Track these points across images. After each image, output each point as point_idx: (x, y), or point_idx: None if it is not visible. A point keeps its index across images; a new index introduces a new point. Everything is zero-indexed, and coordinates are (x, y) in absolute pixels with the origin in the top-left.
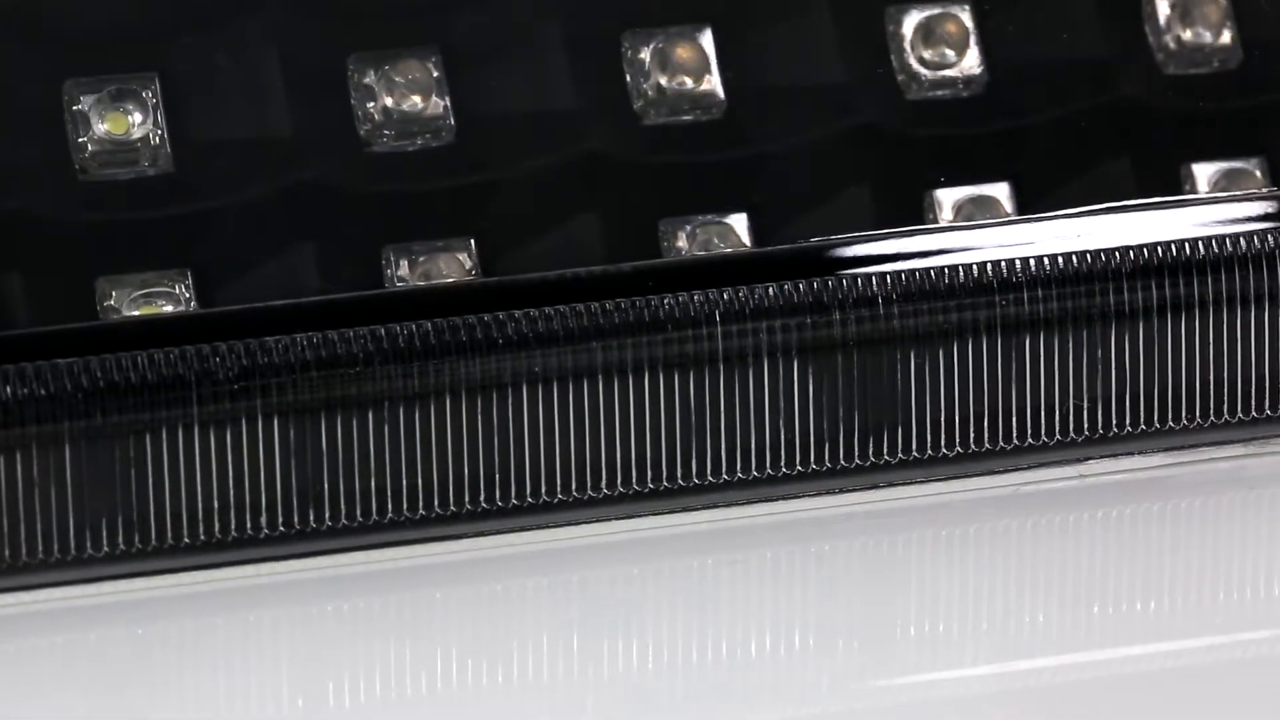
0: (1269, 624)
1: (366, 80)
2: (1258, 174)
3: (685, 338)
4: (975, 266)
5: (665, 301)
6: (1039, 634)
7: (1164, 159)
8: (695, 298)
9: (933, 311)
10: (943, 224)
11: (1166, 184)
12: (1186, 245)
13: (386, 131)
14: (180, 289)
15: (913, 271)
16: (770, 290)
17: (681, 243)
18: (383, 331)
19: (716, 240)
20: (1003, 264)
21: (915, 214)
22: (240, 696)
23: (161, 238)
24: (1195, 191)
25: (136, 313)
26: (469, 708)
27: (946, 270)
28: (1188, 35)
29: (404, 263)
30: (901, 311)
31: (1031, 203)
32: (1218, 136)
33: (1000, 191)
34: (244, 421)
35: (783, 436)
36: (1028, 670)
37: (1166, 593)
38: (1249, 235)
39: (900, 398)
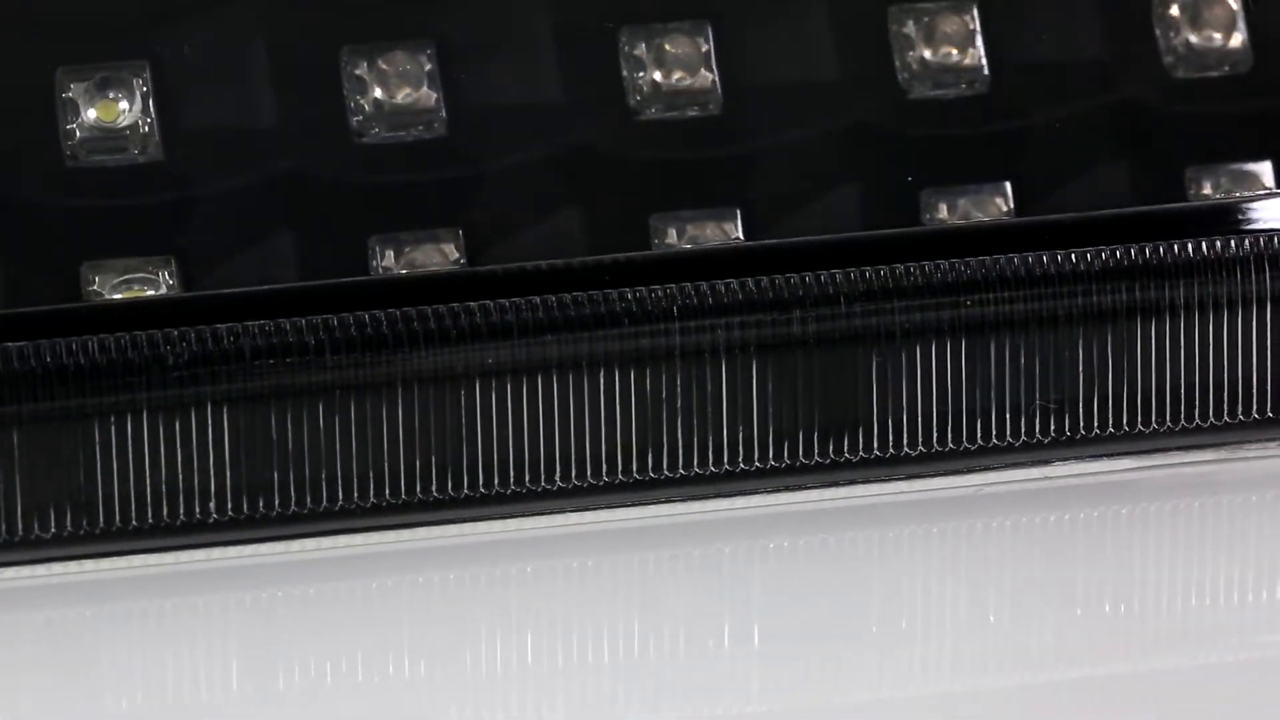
0: (1229, 631)
1: (358, 72)
2: (1263, 179)
3: (643, 332)
4: (941, 266)
5: (623, 296)
6: (998, 635)
7: (1168, 162)
8: (654, 292)
9: (895, 311)
10: (934, 225)
11: (1168, 187)
12: (1160, 248)
13: (378, 123)
14: (164, 275)
15: (877, 270)
16: (731, 286)
17: (671, 238)
18: (334, 321)
19: (710, 236)
20: (970, 264)
21: (912, 214)
22: (189, 679)
23: (148, 225)
24: (1200, 195)
25: (118, 297)
26: (418, 696)
27: (911, 269)
28: (1196, 39)
29: (389, 253)
30: (864, 310)
31: (1030, 203)
32: (1225, 141)
33: (1004, 192)
34: (193, 408)
35: (741, 433)
36: (985, 672)
37: (1134, 597)
38: (1225, 240)
39: (862, 396)
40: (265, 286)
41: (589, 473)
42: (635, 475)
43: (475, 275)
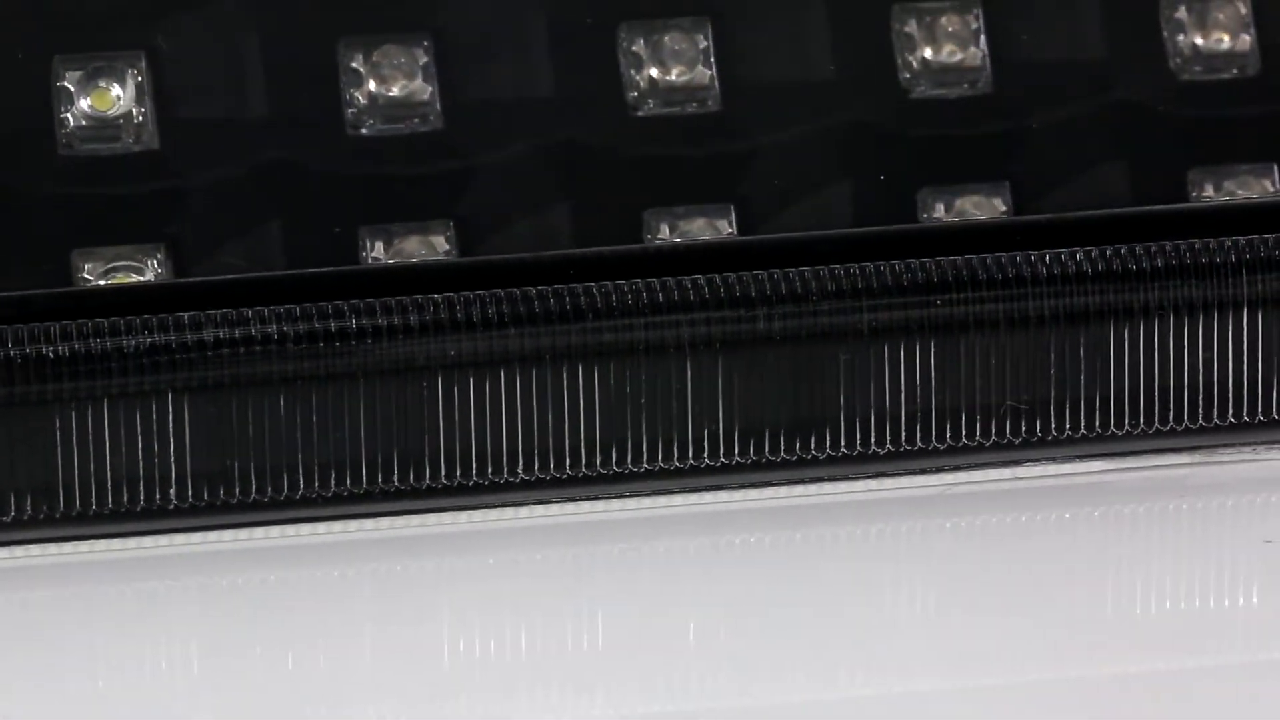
0: (1200, 636)
1: (354, 64)
2: (1266, 183)
3: (606, 327)
4: (911, 266)
5: (588, 290)
6: (965, 635)
7: (1170, 165)
8: (620, 287)
9: (864, 309)
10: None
11: (1169, 190)
12: (1137, 249)
13: (373, 116)
14: (152, 263)
15: (846, 268)
16: (699, 281)
17: (664, 234)
18: (298, 311)
19: (704, 232)
20: (941, 264)
21: (909, 213)
22: (149, 663)
23: (140, 213)
24: (1202, 198)
25: (101, 283)
26: (377, 684)
27: (880, 268)
28: (1203, 41)
29: (379, 244)
30: (832, 308)
31: (1031, 205)
32: (1230, 144)
33: (1004, 192)
34: (154, 396)
35: (707, 429)
36: (952, 672)
37: (1105, 600)
38: (1204, 243)
39: (830, 394)
40: (227, 276)
41: (552, 466)
42: (599, 469)
43: (435, 267)
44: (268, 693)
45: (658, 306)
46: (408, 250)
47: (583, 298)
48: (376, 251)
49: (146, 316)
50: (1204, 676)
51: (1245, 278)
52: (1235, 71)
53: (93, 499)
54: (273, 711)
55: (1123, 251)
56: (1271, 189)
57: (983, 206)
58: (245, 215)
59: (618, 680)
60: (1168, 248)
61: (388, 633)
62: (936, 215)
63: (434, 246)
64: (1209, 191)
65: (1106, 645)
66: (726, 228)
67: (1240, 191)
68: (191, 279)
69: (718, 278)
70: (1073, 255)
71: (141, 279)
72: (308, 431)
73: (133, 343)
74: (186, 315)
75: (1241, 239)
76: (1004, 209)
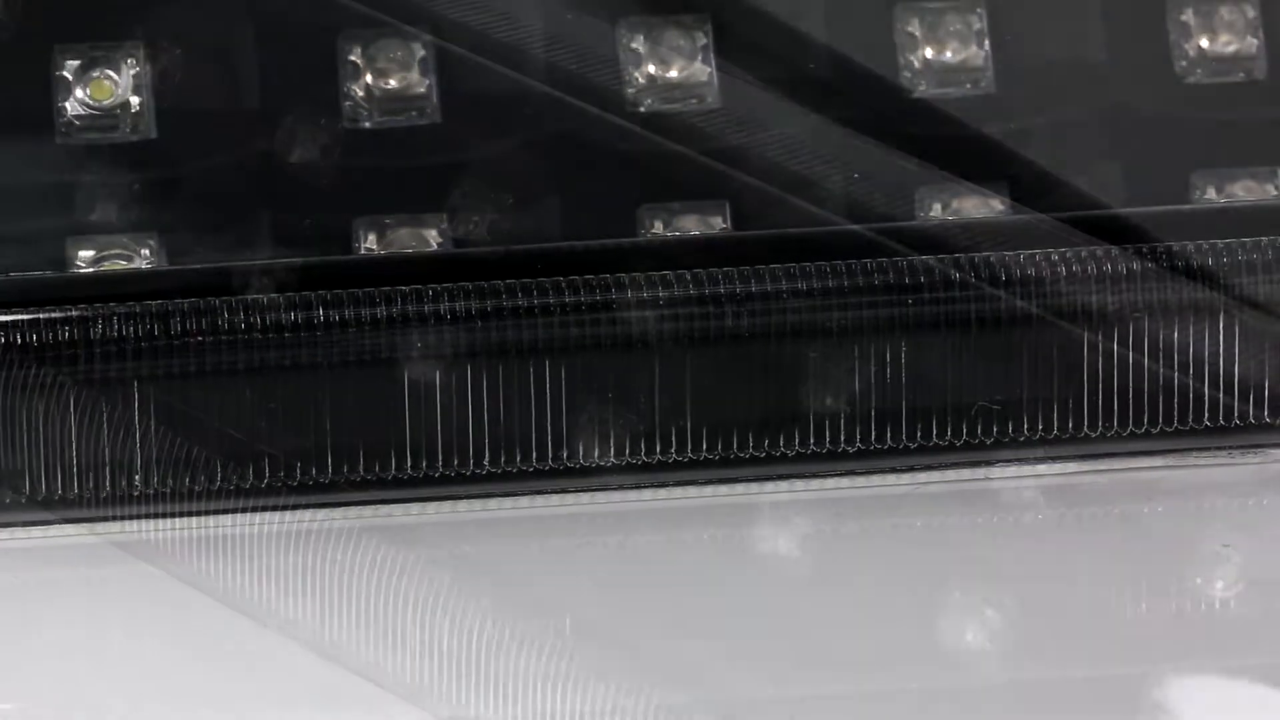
0: (1174, 639)
1: (352, 57)
2: (1269, 187)
3: (574, 322)
4: (882, 264)
5: (557, 285)
6: (934, 635)
7: (1174, 168)
8: (589, 281)
9: (834, 307)
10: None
11: (1172, 192)
12: (1113, 250)
13: (371, 108)
14: (144, 251)
15: (819, 266)
16: (668, 277)
17: (657, 229)
18: (264, 300)
19: (696, 228)
20: (914, 262)
21: (907, 211)
22: (114, 649)
23: (136, 202)
24: (1204, 200)
25: (89, 270)
26: (327, 674)
27: (853, 266)
28: (1209, 44)
29: (372, 235)
30: (803, 306)
31: (1030, 204)
32: (1234, 147)
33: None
34: (119, 384)
35: (674, 425)
36: (922, 672)
37: (1083, 602)
38: (1182, 246)
39: (800, 391)
40: (212, 265)
41: (518, 459)
42: (565, 463)
43: (407, 259)
44: (230, 680)
45: (626, 302)
46: (401, 242)
47: (551, 292)
48: (369, 242)
49: (113, 305)
50: (1177, 679)
51: (1222, 281)
52: (1242, 75)
53: (58, 485)
54: (234, 698)
55: (1098, 253)
56: (1275, 193)
57: (980, 206)
58: (242, 207)
59: (580, 675)
60: (1144, 250)
61: (340, 624)
62: (934, 214)
63: (425, 239)
64: (1211, 194)
65: (1077, 646)
66: (720, 224)
67: (1243, 195)
68: (174, 267)
69: (688, 274)
70: (1047, 255)
71: (129, 266)
72: (272, 421)
73: (99, 331)
74: (154, 304)
75: (1219, 242)
76: (1001, 209)
